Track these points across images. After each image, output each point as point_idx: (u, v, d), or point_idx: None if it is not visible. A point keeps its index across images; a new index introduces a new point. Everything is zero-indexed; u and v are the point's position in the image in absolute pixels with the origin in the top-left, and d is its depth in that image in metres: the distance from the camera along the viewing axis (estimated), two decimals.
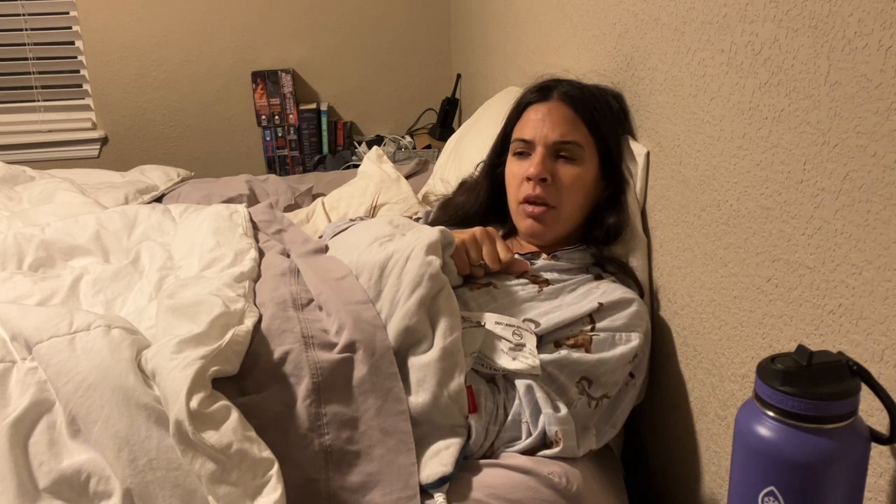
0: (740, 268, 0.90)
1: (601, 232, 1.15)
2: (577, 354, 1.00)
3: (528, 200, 1.14)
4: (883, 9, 0.65)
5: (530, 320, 1.03)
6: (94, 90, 2.90)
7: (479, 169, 1.32)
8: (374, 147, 2.20)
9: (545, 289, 1.09)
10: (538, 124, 1.14)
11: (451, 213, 1.30)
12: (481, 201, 1.27)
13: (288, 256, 1.21)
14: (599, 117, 1.15)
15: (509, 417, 0.97)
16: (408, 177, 2.01)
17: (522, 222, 1.17)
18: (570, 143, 1.13)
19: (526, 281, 1.10)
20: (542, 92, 1.19)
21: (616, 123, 1.18)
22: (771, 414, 0.60)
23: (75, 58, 2.87)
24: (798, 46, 0.76)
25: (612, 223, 1.14)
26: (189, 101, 2.98)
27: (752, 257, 0.88)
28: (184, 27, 2.89)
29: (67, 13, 2.82)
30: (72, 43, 2.87)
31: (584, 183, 1.14)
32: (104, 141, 2.96)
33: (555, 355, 0.99)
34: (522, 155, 1.17)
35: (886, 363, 0.68)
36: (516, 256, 1.13)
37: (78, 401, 0.84)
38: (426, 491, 0.87)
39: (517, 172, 1.16)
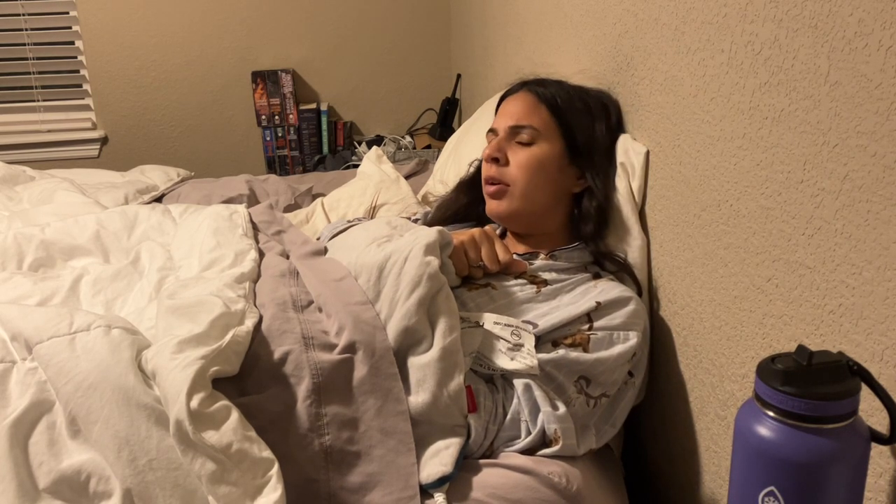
0: (740, 268, 0.90)
1: (590, 223, 1.15)
2: (574, 354, 1.00)
3: (486, 181, 1.19)
4: (883, 9, 0.65)
5: (528, 322, 1.03)
6: (94, 90, 2.90)
7: (473, 167, 1.34)
8: (374, 147, 2.20)
9: (543, 289, 1.09)
10: (502, 114, 1.21)
11: (446, 211, 1.33)
12: (474, 197, 1.29)
13: (287, 258, 1.21)
14: (564, 105, 1.18)
15: (508, 416, 0.97)
16: (408, 177, 2.01)
17: (487, 205, 1.20)
18: (524, 128, 1.17)
19: (524, 281, 1.10)
20: (516, 86, 1.24)
21: (585, 112, 1.20)
22: (771, 414, 0.60)
23: (75, 58, 2.87)
24: (798, 46, 0.76)
25: (593, 207, 1.15)
26: (189, 101, 2.98)
27: (752, 257, 0.88)
28: (184, 27, 2.89)
29: (67, 13, 2.82)
30: (72, 43, 2.87)
31: (538, 162, 1.15)
32: (104, 141, 2.95)
33: (552, 355, 0.99)
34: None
35: (886, 363, 0.68)
36: (515, 257, 1.13)
37: (78, 401, 0.84)
38: (426, 491, 0.88)
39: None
